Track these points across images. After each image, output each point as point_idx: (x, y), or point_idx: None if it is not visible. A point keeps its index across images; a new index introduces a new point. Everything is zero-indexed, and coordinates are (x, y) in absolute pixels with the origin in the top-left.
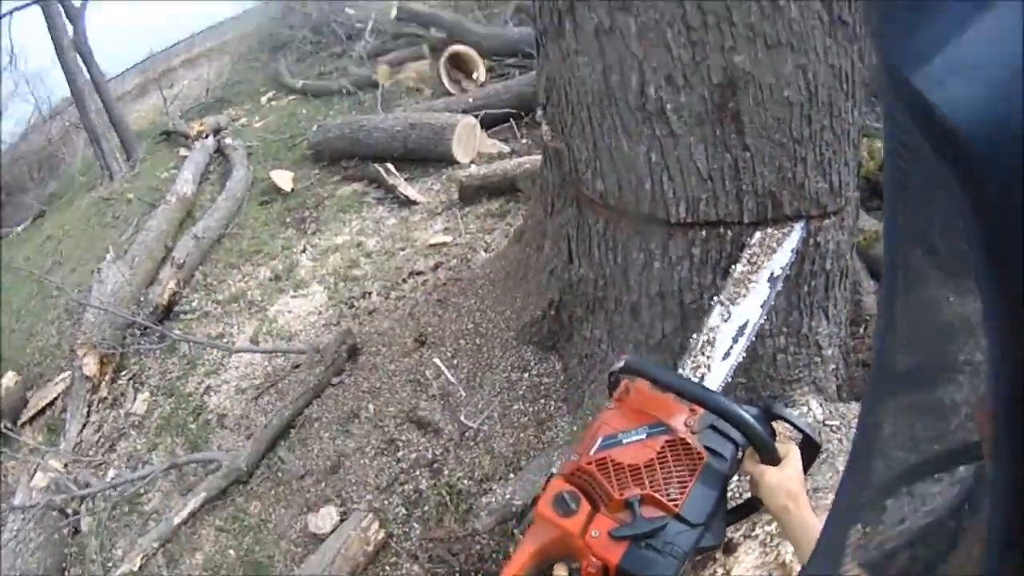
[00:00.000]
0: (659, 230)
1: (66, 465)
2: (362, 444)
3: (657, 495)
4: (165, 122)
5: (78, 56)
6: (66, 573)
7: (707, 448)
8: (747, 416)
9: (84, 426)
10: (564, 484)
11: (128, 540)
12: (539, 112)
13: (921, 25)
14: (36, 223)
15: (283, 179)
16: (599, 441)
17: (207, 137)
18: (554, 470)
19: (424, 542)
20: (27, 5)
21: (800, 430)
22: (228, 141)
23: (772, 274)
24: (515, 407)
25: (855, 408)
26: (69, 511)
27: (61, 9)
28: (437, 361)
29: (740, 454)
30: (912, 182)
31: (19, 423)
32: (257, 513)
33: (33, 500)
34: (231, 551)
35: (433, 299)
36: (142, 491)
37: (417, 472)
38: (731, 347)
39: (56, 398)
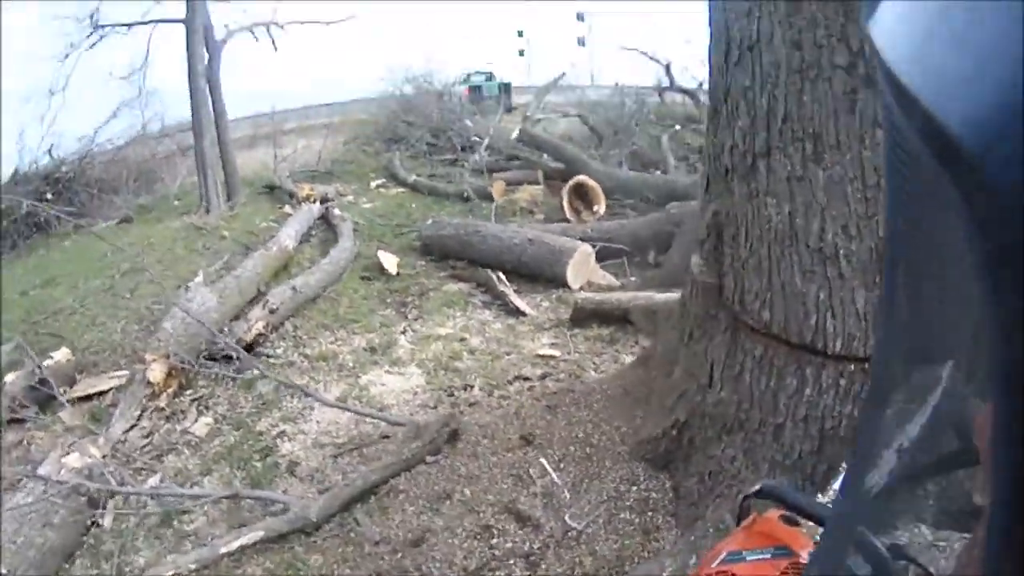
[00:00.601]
0: (815, 360)
1: (104, 456)
2: (452, 524)
3: None
4: (270, 177)
5: (208, 87)
6: (74, 560)
7: None
8: (884, 552)
9: (132, 427)
10: None
11: (155, 553)
12: (696, 246)
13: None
14: (121, 226)
15: (389, 261)
16: (723, 555)
17: (315, 202)
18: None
19: None
20: (173, 21)
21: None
22: (336, 212)
23: None
24: (621, 516)
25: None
26: (101, 501)
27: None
28: (543, 461)
29: None
30: (912, 188)
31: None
32: (318, 567)
33: (62, 476)
34: None
35: (541, 404)
36: (187, 510)
37: (512, 561)
38: None
39: (108, 390)
